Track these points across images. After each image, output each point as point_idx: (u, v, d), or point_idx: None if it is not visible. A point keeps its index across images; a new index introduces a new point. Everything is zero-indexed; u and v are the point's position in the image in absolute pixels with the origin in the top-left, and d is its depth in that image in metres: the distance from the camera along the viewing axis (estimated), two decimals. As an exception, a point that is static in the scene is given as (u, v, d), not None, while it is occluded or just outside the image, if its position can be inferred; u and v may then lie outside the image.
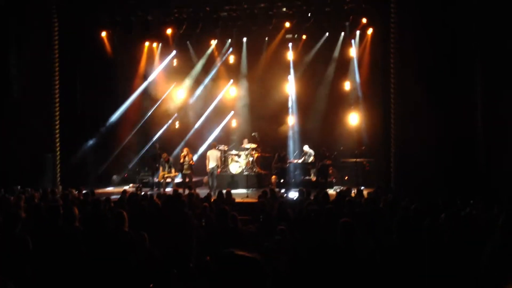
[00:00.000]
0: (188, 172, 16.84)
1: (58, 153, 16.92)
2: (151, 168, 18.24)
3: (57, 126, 16.89)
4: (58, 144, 16.91)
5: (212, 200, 11.69)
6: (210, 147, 18.18)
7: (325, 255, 4.67)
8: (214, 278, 1.70)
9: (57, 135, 16.88)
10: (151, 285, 6.66)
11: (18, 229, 5.87)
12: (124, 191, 12.50)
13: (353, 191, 13.10)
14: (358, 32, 19.43)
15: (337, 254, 4.55)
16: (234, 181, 18.26)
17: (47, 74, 16.73)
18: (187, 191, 12.95)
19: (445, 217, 4.81)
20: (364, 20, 18.02)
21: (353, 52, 20.04)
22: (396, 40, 15.48)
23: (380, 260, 4.60)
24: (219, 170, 18.51)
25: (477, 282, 4.26)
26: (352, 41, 19.93)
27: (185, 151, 17.14)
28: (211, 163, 17.12)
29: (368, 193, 12.75)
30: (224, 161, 19.34)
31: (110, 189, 17.82)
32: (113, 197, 11.67)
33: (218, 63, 21.75)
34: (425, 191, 10.61)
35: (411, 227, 5.03)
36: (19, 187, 12.89)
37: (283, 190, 16.07)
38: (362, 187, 14.78)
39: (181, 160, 16.96)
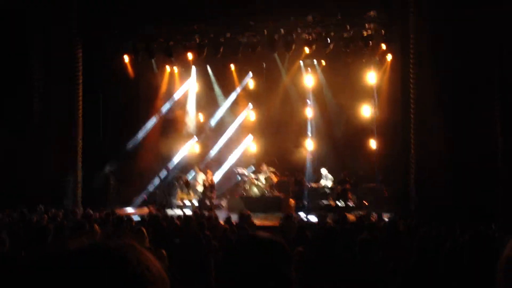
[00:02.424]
0: (209, 194, 16.95)
1: (80, 174, 17.17)
2: (168, 191, 18.30)
3: (80, 147, 17.18)
4: (80, 165, 17.17)
5: (233, 223, 11.74)
6: (197, 170, 18.11)
7: (341, 271, 4.69)
8: (237, 260, 1.70)
9: (80, 156, 17.15)
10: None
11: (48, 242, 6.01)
12: (149, 211, 12.66)
13: (372, 216, 13.04)
14: (377, 58, 19.56)
15: (354, 270, 4.58)
16: (253, 204, 18.22)
17: (71, 97, 17.10)
18: (206, 213, 13.04)
19: (468, 238, 4.79)
20: (383, 47, 18.15)
21: (372, 78, 20.13)
22: (416, 66, 15.52)
23: (399, 281, 4.61)
24: (237, 194, 18.65)
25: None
26: (371, 67, 20.05)
27: (209, 174, 17.28)
28: (200, 187, 17.26)
29: (389, 218, 12.69)
30: (243, 184, 19.42)
31: (130, 210, 17.96)
32: (134, 217, 11.80)
33: (238, 87, 22.00)
34: (445, 216, 10.54)
35: (431, 250, 5.03)
36: (42, 207, 13.07)
37: (302, 214, 16.05)
38: (382, 213, 14.69)
39: (204, 183, 17.08)
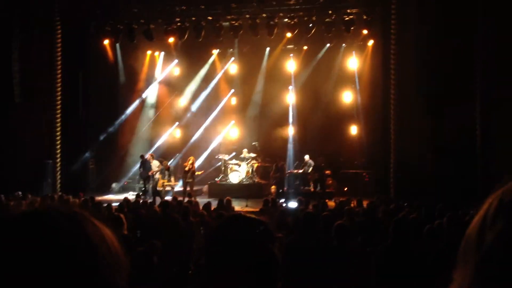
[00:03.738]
0: (190, 180, 16.89)
1: (59, 159, 16.94)
2: (142, 177, 17.93)
3: (59, 133, 16.93)
4: (59, 150, 16.94)
5: (212, 209, 11.69)
6: (148, 158, 17.78)
7: (318, 255, 4.68)
8: (220, 239, 1.64)
9: (58, 142, 16.92)
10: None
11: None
12: (125, 198, 12.49)
13: (352, 202, 13.07)
14: (359, 44, 19.53)
15: (330, 254, 4.56)
16: (234, 190, 18.14)
17: (50, 80, 16.83)
18: (186, 199, 12.98)
19: (446, 221, 4.81)
20: (365, 32, 18.10)
21: (353, 63, 20.11)
22: (397, 51, 15.56)
23: (375, 262, 4.60)
24: (218, 180, 18.58)
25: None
26: (353, 52, 20.02)
27: (191, 160, 17.21)
28: (157, 174, 17.14)
29: (368, 204, 12.74)
30: (224, 170, 19.34)
31: (109, 196, 17.77)
32: (113, 204, 11.63)
33: (220, 72, 21.83)
34: (424, 201, 10.61)
35: (408, 233, 5.04)
36: (20, 193, 12.87)
37: (282, 200, 16.05)
38: (363, 198, 14.74)
39: (186, 168, 16.99)
